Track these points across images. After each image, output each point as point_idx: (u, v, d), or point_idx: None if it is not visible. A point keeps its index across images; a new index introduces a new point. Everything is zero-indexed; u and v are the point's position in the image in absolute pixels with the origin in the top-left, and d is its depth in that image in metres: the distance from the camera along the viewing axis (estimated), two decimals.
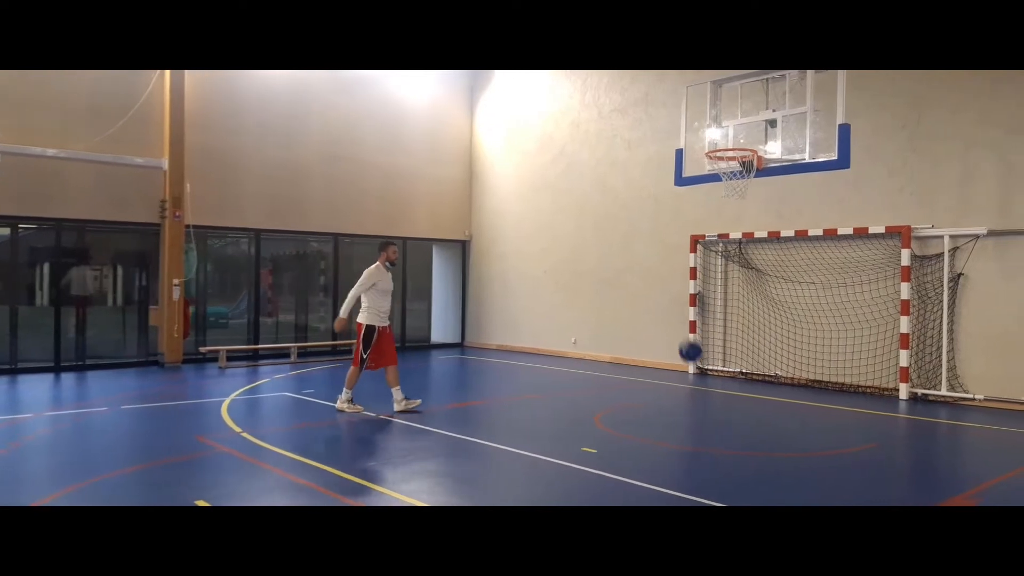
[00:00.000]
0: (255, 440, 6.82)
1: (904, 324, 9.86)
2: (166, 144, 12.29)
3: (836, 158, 7.48)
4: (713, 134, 8.51)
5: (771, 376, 11.36)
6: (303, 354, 13.70)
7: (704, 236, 12.15)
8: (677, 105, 12.57)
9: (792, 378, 11.12)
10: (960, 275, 9.55)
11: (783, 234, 11.14)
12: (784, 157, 7.86)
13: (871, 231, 10.21)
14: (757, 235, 11.45)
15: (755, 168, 7.94)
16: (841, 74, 7.46)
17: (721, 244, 12.03)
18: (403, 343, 15.79)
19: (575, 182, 14.43)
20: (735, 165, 8.12)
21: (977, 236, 9.37)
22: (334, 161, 14.53)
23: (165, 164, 12.26)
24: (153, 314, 12.63)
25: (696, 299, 12.22)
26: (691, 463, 6.66)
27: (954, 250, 9.58)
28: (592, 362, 13.69)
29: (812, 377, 10.90)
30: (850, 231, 10.41)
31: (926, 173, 9.80)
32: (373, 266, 8.35)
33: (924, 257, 9.86)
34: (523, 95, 15.51)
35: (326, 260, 14.99)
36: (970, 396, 9.38)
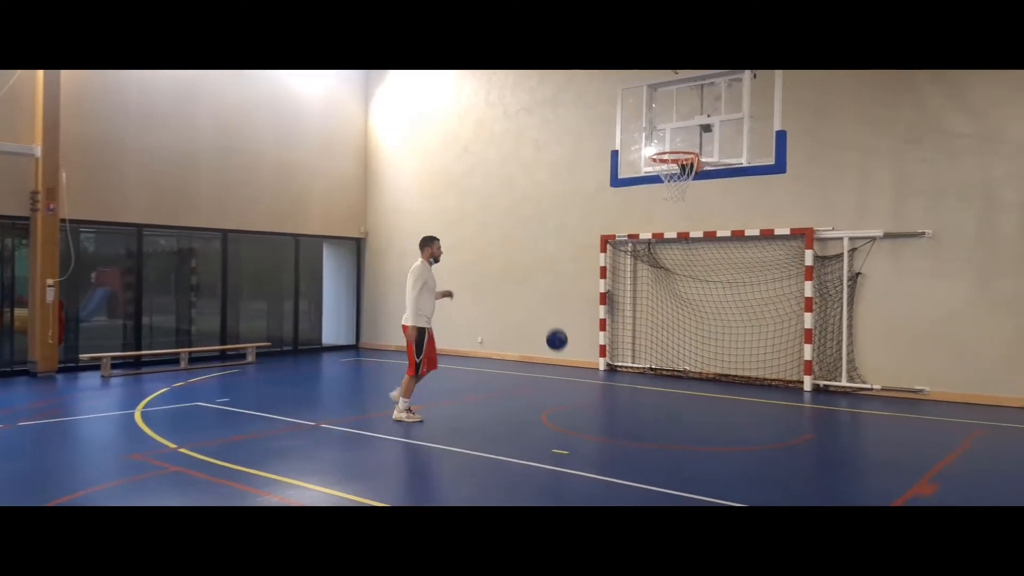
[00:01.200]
0: (200, 456, 6.24)
1: (808, 320, 10.55)
2: (39, 129, 11.01)
3: (774, 163, 7.86)
4: (649, 138, 8.68)
5: (680, 371, 11.80)
6: (195, 360, 12.73)
7: (614, 236, 12.43)
8: (587, 106, 12.88)
9: (700, 372, 11.61)
10: (858, 274, 10.33)
11: (692, 235, 11.60)
12: (722, 161, 8.17)
13: (776, 233, 10.84)
14: (667, 236, 11.85)
15: (694, 171, 8.19)
16: (779, 82, 7.84)
17: (631, 244, 12.35)
18: (295, 346, 15.09)
19: (480, 181, 14.34)
20: (674, 168, 8.33)
21: (874, 238, 10.18)
22: (225, 153, 13.61)
23: (38, 151, 10.98)
24: (18, 317, 11.31)
25: (606, 298, 12.49)
26: (663, 460, 6.73)
27: (853, 251, 10.34)
28: (500, 361, 13.66)
29: (720, 371, 11.43)
30: (757, 233, 11.01)
31: (827, 179, 10.52)
32: (418, 263, 7.84)
33: (825, 257, 10.58)
34: (423, 90, 15.22)
35: (213, 259, 13.99)
36: (868, 386, 10.18)
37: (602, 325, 12.50)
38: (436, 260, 8.18)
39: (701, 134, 8.51)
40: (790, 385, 10.75)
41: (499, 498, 5.33)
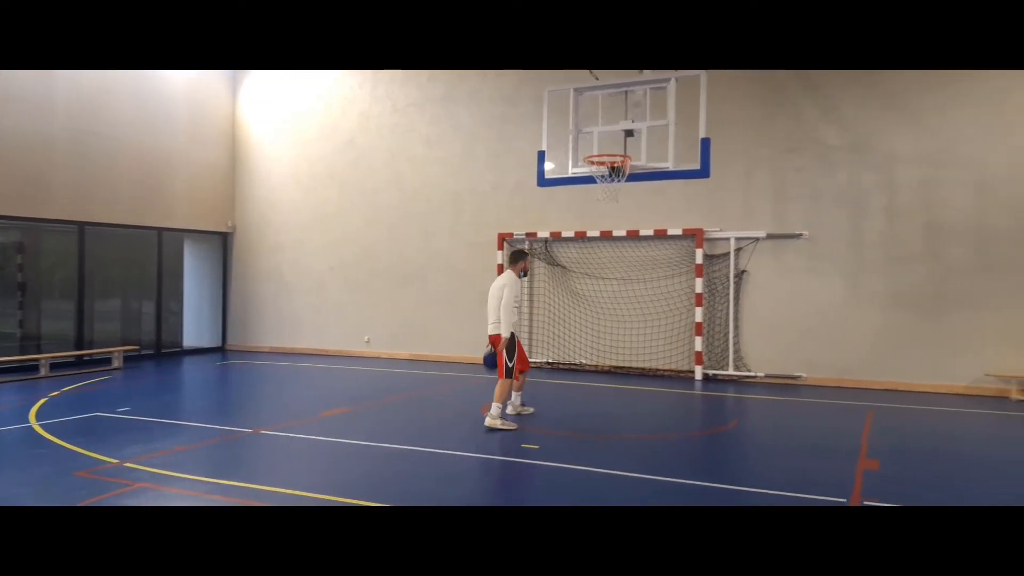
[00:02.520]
0: (158, 470, 5.69)
1: (698, 314, 11.34)
2: None
3: (699, 168, 8.40)
4: (576, 141, 8.93)
5: (576, 364, 12.24)
6: (57, 366, 11.39)
7: (512, 235, 12.63)
8: (481, 105, 12.97)
9: (596, 365, 12.11)
10: (743, 272, 11.26)
11: (589, 234, 12.07)
12: (649, 165, 8.60)
13: (669, 233, 11.55)
14: (564, 235, 12.24)
15: (625, 174, 8.56)
16: (703, 90, 8.36)
17: (528, 243, 12.62)
18: (157, 349, 13.94)
19: (367, 175, 13.99)
20: (603, 169, 8.65)
21: (757, 239, 11.13)
22: (84, 136, 12.29)
23: None
24: None
25: None
26: (624, 449, 6.98)
27: (738, 250, 11.25)
28: (389, 360, 13.44)
29: (615, 364, 11.99)
30: (651, 233, 11.66)
31: (716, 184, 11.32)
32: (509, 277, 7.68)
33: (714, 256, 11.42)
34: (300, 78, 14.59)
35: (68, 255, 12.56)
36: (752, 374, 11.13)
37: None
38: (525, 274, 8.21)
39: (625, 139, 8.90)
40: (681, 375, 11.50)
41: (503, 495, 5.34)
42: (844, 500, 5.09)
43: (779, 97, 11.04)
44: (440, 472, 5.93)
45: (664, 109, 8.42)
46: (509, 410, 8.07)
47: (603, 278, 12.11)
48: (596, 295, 12.17)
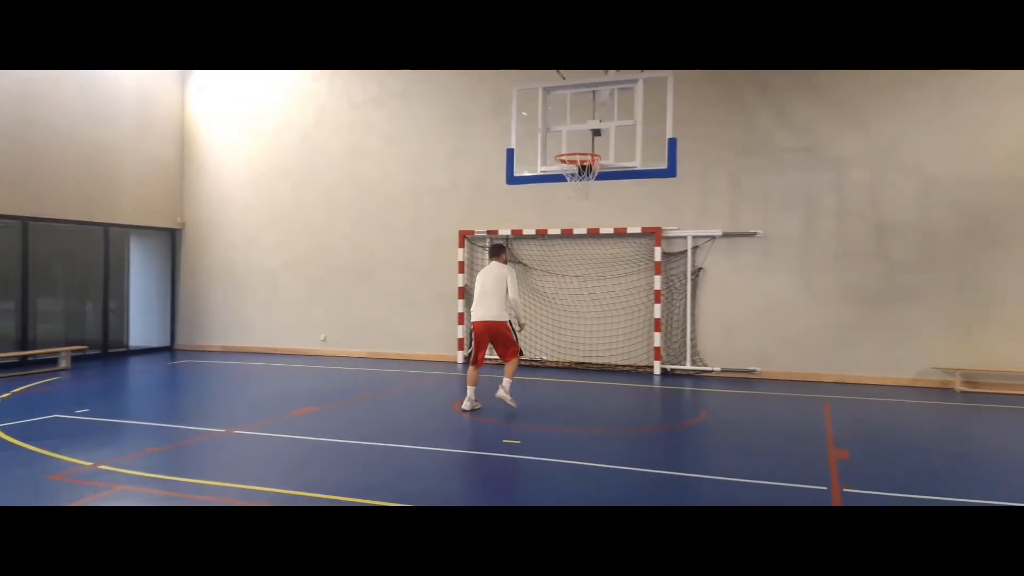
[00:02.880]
0: (137, 472, 5.56)
1: (657, 311, 11.61)
2: None
3: (666, 167, 8.61)
4: (545, 139, 9.04)
5: (537, 361, 12.37)
6: None
7: (473, 232, 12.68)
8: (440, 103, 12.97)
9: (557, 361, 12.26)
10: (700, 269, 11.56)
11: (551, 232, 12.21)
12: (617, 164, 8.77)
13: (629, 231, 11.78)
14: (526, 232, 12.35)
15: (593, 172, 8.70)
16: (670, 91, 8.57)
17: (488, 240, 12.68)
18: (104, 349, 13.49)
19: (323, 171, 13.82)
20: (572, 168, 8.78)
21: (713, 237, 11.45)
22: (26, 127, 11.81)
23: None
24: None
25: (465, 292, 12.70)
26: (608, 442, 7.11)
27: (695, 248, 11.55)
28: (347, 359, 13.33)
29: (575, 360, 12.17)
30: (611, 231, 11.87)
31: (674, 184, 11.54)
32: (506, 266, 8.48)
33: (671, 254, 11.70)
34: (251, 72, 14.30)
35: (11, 252, 12.04)
36: (709, 368, 11.44)
37: (460, 319, 12.70)
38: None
39: (593, 138, 9.05)
40: (640, 370, 11.75)
41: (504, 491, 5.41)
42: (825, 488, 5.32)
43: (735, 102, 11.38)
44: (437, 470, 5.95)
45: (630, 109, 8.60)
46: (502, 393, 8.40)
47: (564, 275, 12.27)
48: (557, 292, 12.32)
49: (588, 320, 12.12)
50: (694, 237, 11.52)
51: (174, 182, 14.68)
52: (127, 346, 14.33)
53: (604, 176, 8.86)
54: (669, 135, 8.57)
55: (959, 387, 10.11)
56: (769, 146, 11.23)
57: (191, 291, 14.81)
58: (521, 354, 8.74)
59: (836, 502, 4.95)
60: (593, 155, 8.69)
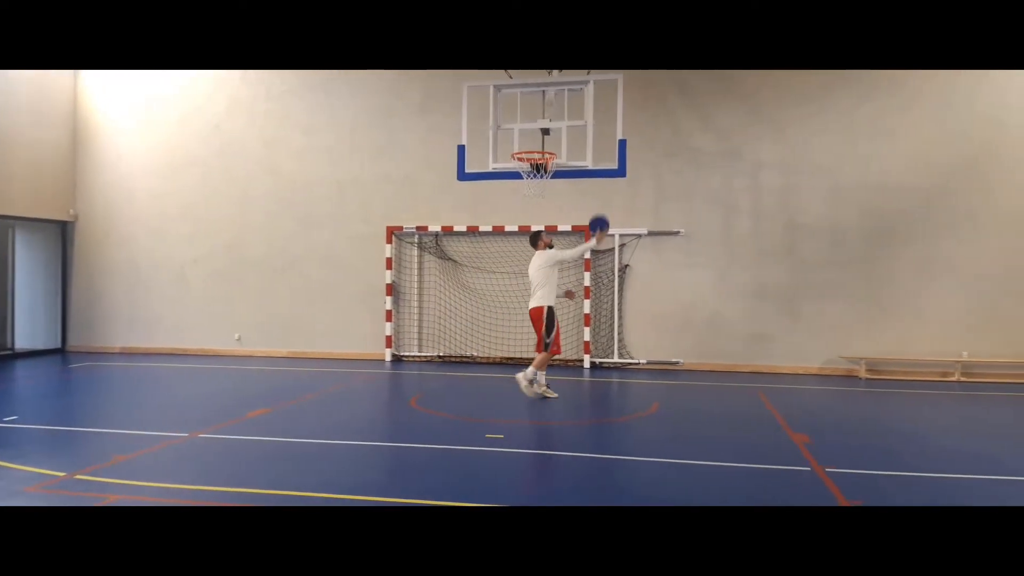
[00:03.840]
0: (121, 481, 5.21)
1: (587, 306, 11.96)
2: None
3: (616, 167, 8.93)
4: (496, 136, 9.13)
5: (468, 357, 12.43)
6: None
7: (401, 228, 12.54)
8: (364, 96, 12.75)
9: (488, 357, 12.38)
10: (627, 266, 12.02)
11: (481, 229, 12.29)
12: (569, 163, 8.99)
13: (560, 229, 12.06)
14: (457, 229, 12.36)
15: (548, 171, 8.89)
16: (620, 93, 8.89)
17: (418, 236, 12.59)
18: None
19: (237, 162, 13.22)
20: (525, 166, 8.93)
21: (639, 235, 11.93)
22: None
23: None
24: None
25: (393, 289, 12.56)
26: (584, 434, 7.28)
27: (622, 246, 11.99)
28: (265, 359, 12.86)
29: (506, 355, 12.33)
30: (542, 228, 12.08)
31: (602, 184, 11.94)
32: (546, 252, 8.85)
33: (600, 251, 12.06)
34: None
35: None
36: (636, 361, 11.93)
37: (388, 316, 12.55)
38: (551, 248, 9.06)
39: (543, 137, 9.24)
40: (570, 364, 12.07)
41: (512, 486, 5.49)
42: (808, 468, 5.77)
43: (660, 106, 11.89)
44: (438, 466, 5.93)
45: (577, 108, 8.86)
46: (536, 389, 8.76)
47: (495, 272, 12.39)
48: (487, 289, 12.42)
49: (519, 316, 12.29)
50: (621, 235, 11.94)
51: (65, 172, 13.58)
52: (12, 348, 13.15)
53: (559, 175, 9.07)
54: (619, 136, 8.91)
55: (864, 374, 11.09)
56: (691, 149, 11.83)
57: (86, 289, 13.76)
58: (554, 352, 8.86)
59: (826, 481, 5.38)
60: (549, 154, 8.87)
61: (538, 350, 8.85)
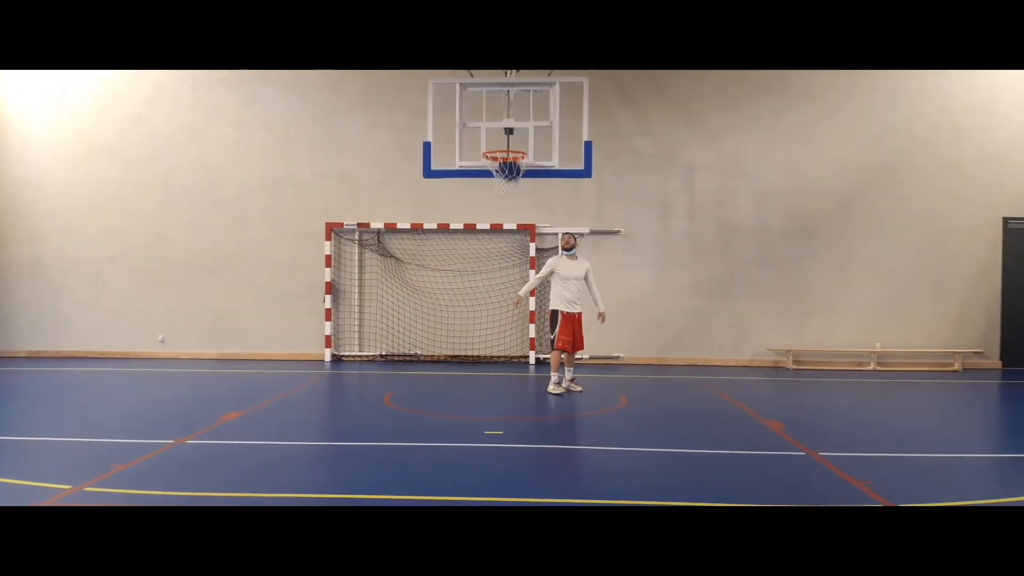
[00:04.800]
0: (133, 491, 4.92)
1: (532, 303, 12.16)
2: None
3: (583, 168, 9.17)
4: (462, 135, 9.16)
5: (411, 355, 12.34)
6: None
7: (342, 224, 12.28)
8: (301, 90, 12.41)
9: (432, 355, 12.34)
10: None
11: (426, 226, 12.23)
12: (536, 163, 9.15)
13: (505, 227, 12.19)
14: (400, 226, 12.24)
15: (519, 170, 9.00)
16: (585, 95, 9.13)
17: (359, 233, 12.36)
18: None
19: (160, 155, 12.50)
20: (494, 164, 9.01)
21: (583, 234, 12.24)
22: None
23: None
24: None
25: (332, 287, 12.27)
26: (578, 427, 7.39)
27: None
28: (192, 361, 12.25)
29: (451, 353, 12.33)
30: (487, 226, 12.20)
31: (546, 183, 12.18)
32: (555, 255, 9.28)
33: (545, 249, 12.30)
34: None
35: None
36: (578, 356, 12.21)
37: (327, 315, 12.25)
38: (566, 249, 9.25)
39: (508, 136, 9.36)
40: (515, 360, 12.24)
41: (503, 488, 5.59)
42: (803, 453, 6.20)
43: (601, 110, 12.23)
44: (445, 463, 5.93)
45: (540, 109, 9.07)
46: (563, 385, 9.27)
47: (438, 270, 12.36)
48: (430, 286, 12.38)
49: (463, 313, 12.34)
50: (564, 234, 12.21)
51: None
52: None
53: (527, 175, 9.21)
54: (585, 138, 9.16)
55: (791, 365, 11.89)
56: (631, 152, 12.26)
57: None
58: (559, 349, 9.12)
59: (828, 466, 5.82)
60: (519, 153, 8.99)
61: (553, 347, 9.26)
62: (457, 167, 9.17)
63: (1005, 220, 11.88)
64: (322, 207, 12.38)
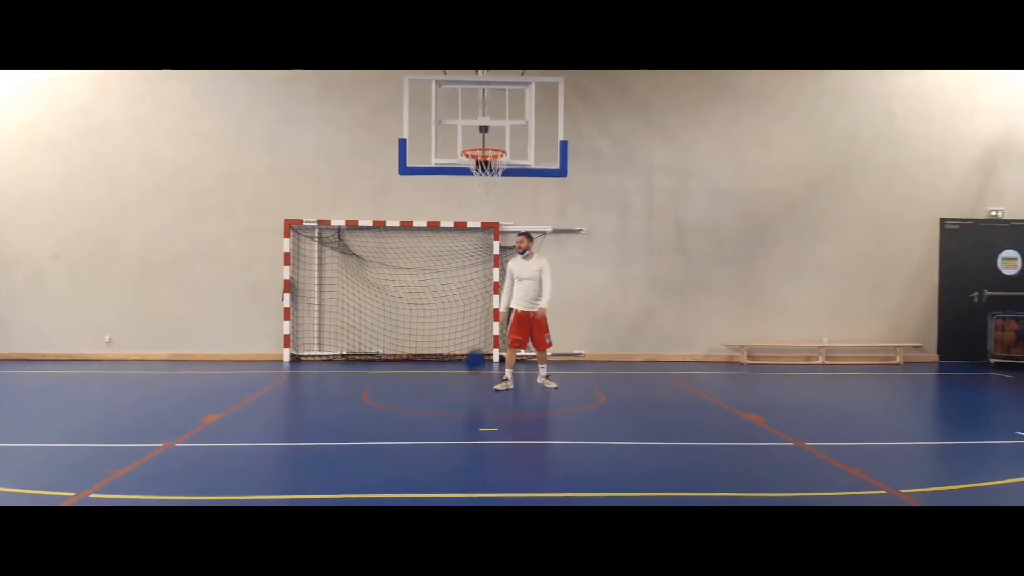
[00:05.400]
0: (139, 496, 4.74)
1: (495, 301, 12.20)
2: None
3: (558, 167, 9.28)
4: (438, 132, 9.13)
5: (372, 355, 12.20)
6: None
7: (301, 221, 12.02)
8: (255, 83, 12.10)
9: (394, 354, 12.23)
10: None
11: (388, 224, 12.11)
12: (512, 162, 9.19)
13: (469, 225, 12.19)
14: (362, 223, 12.08)
15: (498, 169, 9.03)
16: (561, 96, 9.24)
17: (318, 230, 12.13)
18: None
19: (106, 147, 11.97)
20: (470, 162, 9.02)
21: (545, 232, 12.36)
22: None
23: None
24: None
25: (291, 286, 12.01)
26: (569, 422, 7.48)
27: None
28: (143, 362, 11.80)
29: (413, 352, 12.26)
30: (451, 224, 12.17)
31: (510, 183, 12.17)
32: (541, 259, 9.28)
33: (507, 247, 12.35)
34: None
35: None
36: (551, 354, 12.33)
37: (286, 314, 11.98)
38: (521, 252, 9.24)
39: (483, 135, 9.37)
40: None
41: (506, 483, 5.65)
42: (792, 444, 6.46)
43: (566, 111, 12.32)
44: (451, 460, 5.93)
45: (514, 107, 9.13)
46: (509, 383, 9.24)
47: (401, 268, 12.26)
48: (393, 285, 12.27)
49: (426, 311, 12.27)
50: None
51: None
52: None
53: (507, 173, 9.24)
54: (561, 137, 9.27)
55: (745, 360, 12.31)
56: (592, 152, 12.44)
57: None
58: (510, 348, 9.32)
59: (815, 453, 6.10)
60: (499, 151, 9.02)
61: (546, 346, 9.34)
62: (433, 164, 9.13)
63: (942, 221, 12.62)
64: (279, 203, 12.10)
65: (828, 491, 5.05)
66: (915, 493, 4.95)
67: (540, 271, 9.11)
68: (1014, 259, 12.65)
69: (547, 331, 9.26)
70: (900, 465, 5.86)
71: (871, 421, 7.75)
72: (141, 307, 12.04)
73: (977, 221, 12.64)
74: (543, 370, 9.52)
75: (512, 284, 9.16)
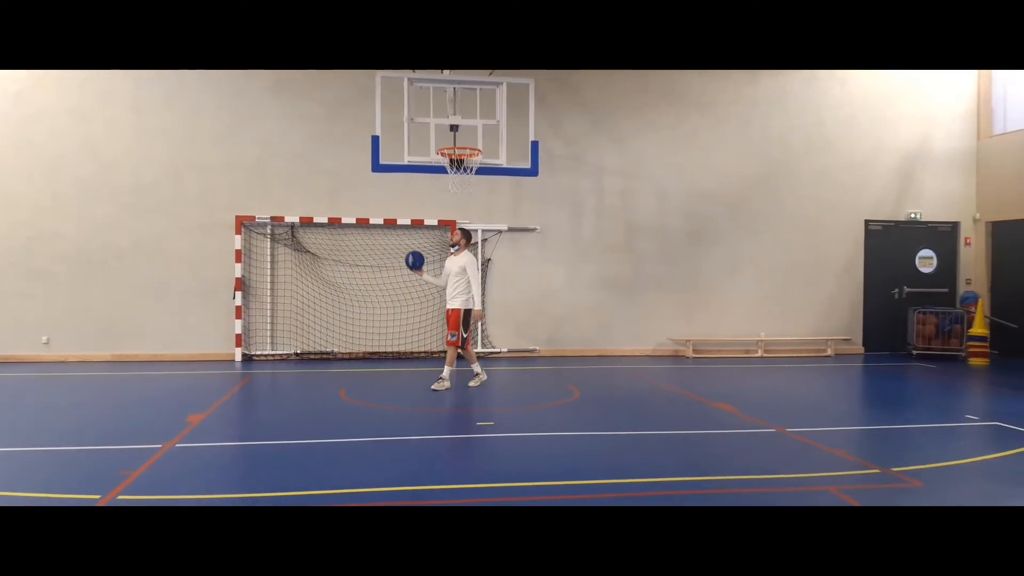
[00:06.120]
0: (160, 497, 4.68)
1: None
2: None
3: (530, 167, 9.50)
4: (410, 130, 9.18)
5: (327, 353, 12.07)
6: None
7: (254, 218, 11.77)
8: (204, 74, 11.79)
9: (349, 353, 12.14)
10: (488, 260, 12.57)
11: (344, 221, 12.01)
12: (486, 161, 9.34)
13: (426, 223, 12.24)
14: (317, 220, 11.93)
15: (473, 167, 9.15)
16: (531, 97, 9.46)
17: (271, 227, 11.90)
18: None
19: (43, 139, 11.37)
20: (443, 160, 9.12)
21: (500, 231, 12.56)
22: None
23: None
24: None
25: (243, 283, 11.74)
26: (560, 415, 7.67)
27: (485, 240, 12.52)
28: (83, 364, 11.29)
29: (368, 350, 12.20)
30: (408, 222, 12.18)
31: (465, 182, 12.37)
32: (468, 255, 9.08)
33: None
34: None
35: None
36: (497, 349, 12.55)
37: (238, 313, 11.70)
38: (451, 246, 9.29)
39: (455, 135, 9.49)
40: (435, 355, 12.32)
41: (506, 474, 5.86)
42: (773, 430, 6.91)
43: (518, 109, 12.57)
44: (445, 456, 6.06)
45: (483, 106, 9.32)
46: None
47: (356, 266, 12.18)
48: (348, 282, 12.18)
49: (381, 309, 12.24)
50: (484, 231, 12.47)
51: None
52: None
53: (480, 172, 9.38)
54: (532, 138, 9.51)
55: (690, 354, 12.89)
56: (545, 153, 12.63)
57: None
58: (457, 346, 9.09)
59: (795, 437, 6.56)
60: (475, 150, 9.15)
61: (454, 344, 8.99)
62: (406, 161, 9.18)
63: (866, 222, 13.58)
64: (229, 199, 11.80)
65: (832, 471, 5.47)
66: (906, 471, 5.43)
67: (464, 267, 8.96)
68: (930, 258, 13.76)
69: (455, 328, 8.92)
70: (879, 447, 6.39)
71: (833, 409, 8.35)
72: (81, 306, 11.50)
73: (898, 223, 13.68)
74: (476, 367, 9.42)
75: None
